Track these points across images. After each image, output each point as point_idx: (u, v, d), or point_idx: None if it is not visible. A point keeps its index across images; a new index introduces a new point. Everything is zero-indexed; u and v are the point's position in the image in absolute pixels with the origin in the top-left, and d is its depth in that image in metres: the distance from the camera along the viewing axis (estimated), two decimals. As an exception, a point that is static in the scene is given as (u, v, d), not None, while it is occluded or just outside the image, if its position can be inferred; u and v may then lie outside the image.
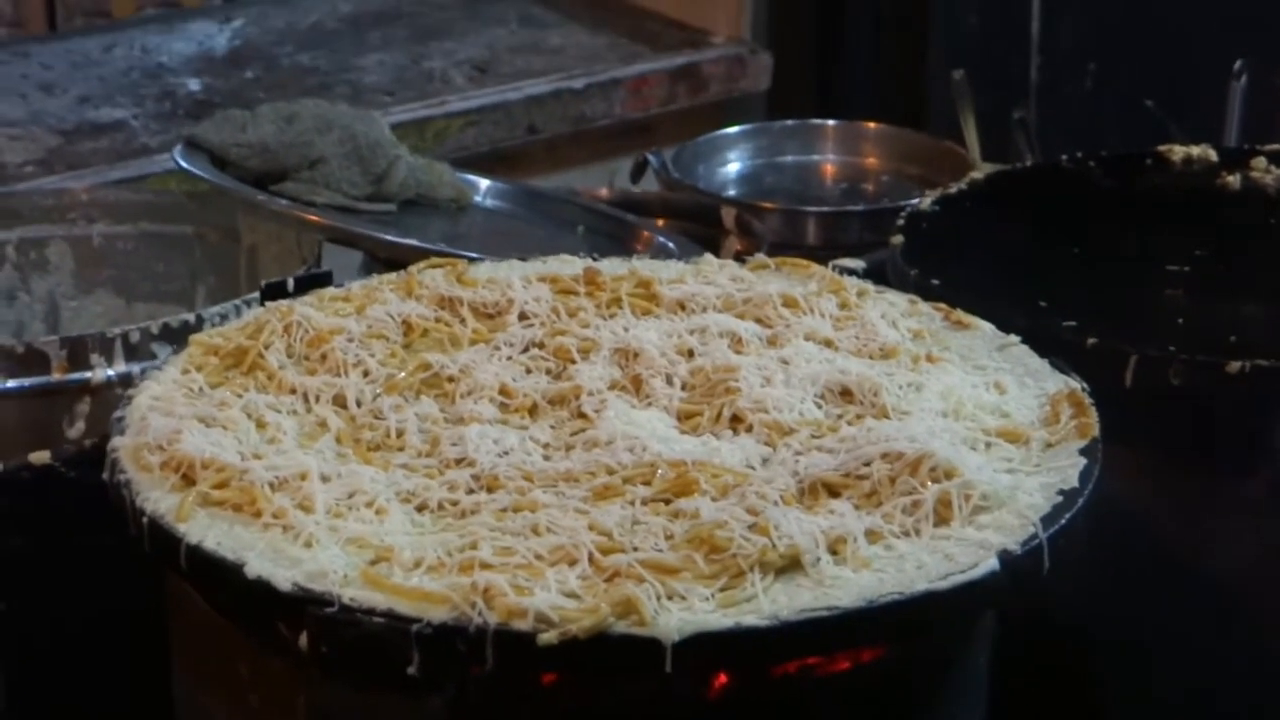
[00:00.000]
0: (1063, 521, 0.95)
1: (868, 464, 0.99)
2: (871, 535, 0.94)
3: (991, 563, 0.92)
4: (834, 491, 0.98)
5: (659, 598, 0.88)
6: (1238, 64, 1.88)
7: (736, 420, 1.06)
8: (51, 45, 2.32)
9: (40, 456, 1.18)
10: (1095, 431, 1.03)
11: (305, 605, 0.87)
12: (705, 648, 0.86)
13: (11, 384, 1.30)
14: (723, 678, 0.92)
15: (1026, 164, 1.71)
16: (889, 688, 0.97)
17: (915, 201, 1.47)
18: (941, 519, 0.95)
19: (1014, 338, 1.16)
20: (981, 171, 1.58)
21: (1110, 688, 1.23)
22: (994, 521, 0.95)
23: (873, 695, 0.96)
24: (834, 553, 0.92)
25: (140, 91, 2.16)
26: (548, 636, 0.85)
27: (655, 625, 0.86)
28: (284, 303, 1.15)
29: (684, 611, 0.87)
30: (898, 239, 1.37)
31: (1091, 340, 1.20)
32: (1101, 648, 1.22)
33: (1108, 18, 2.18)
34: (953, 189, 1.48)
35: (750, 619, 0.87)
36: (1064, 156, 1.56)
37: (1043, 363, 1.13)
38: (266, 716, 0.96)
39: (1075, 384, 1.09)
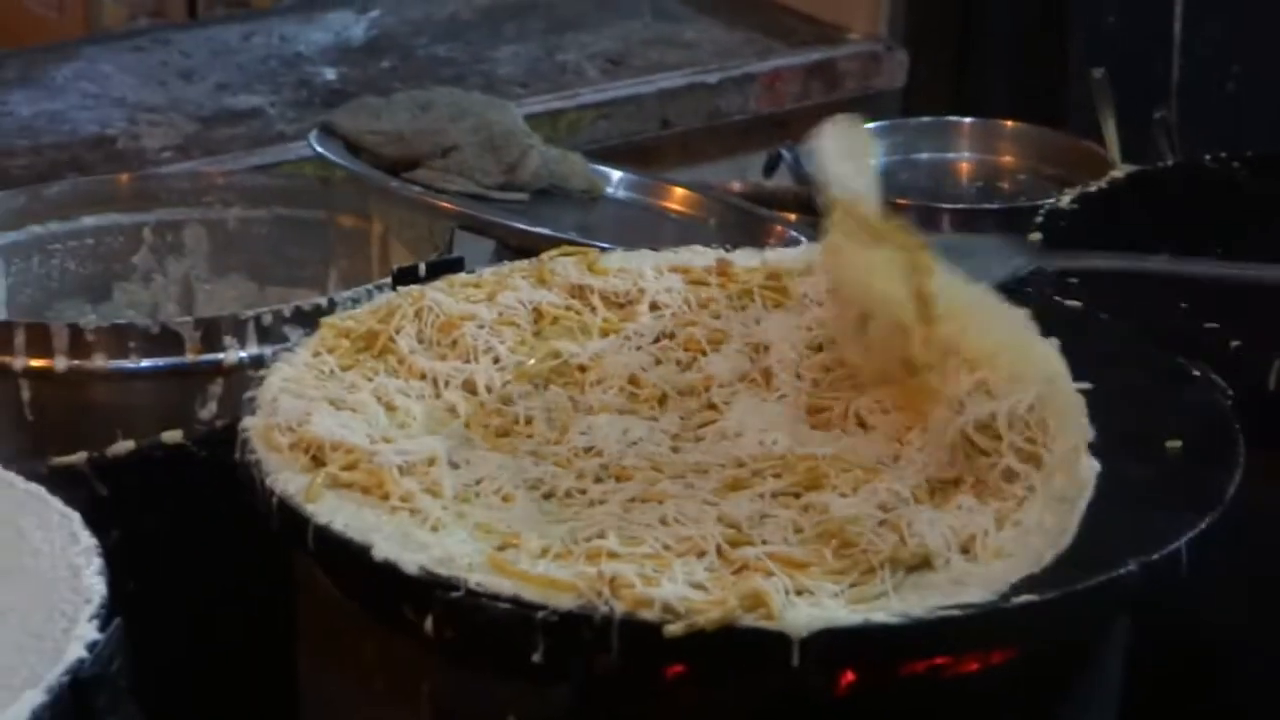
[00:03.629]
0: (1202, 525, 0.93)
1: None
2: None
3: (1128, 564, 0.90)
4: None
5: (787, 592, 0.86)
6: (1389, 68, 1.84)
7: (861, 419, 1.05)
8: (192, 33, 2.34)
9: (173, 436, 1.19)
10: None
11: (432, 589, 0.87)
12: (833, 644, 0.85)
13: (146, 364, 1.31)
14: (849, 676, 0.90)
15: (1168, 164, 1.68)
16: (1017, 690, 0.95)
17: (1052, 200, 1.44)
18: (1078, 519, 0.94)
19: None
20: (1122, 171, 1.55)
21: (1248, 700, 1.20)
22: (1132, 524, 0.93)
23: (1001, 698, 0.95)
24: (965, 551, 0.91)
25: (277, 80, 2.17)
26: (674, 628, 0.84)
27: (783, 620, 0.85)
28: (415, 288, 1.15)
29: (813, 607, 0.86)
30: (1036, 236, 1.35)
31: (1234, 343, 1.17)
32: (1239, 658, 1.19)
33: (1252, 18, 2.13)
34: (1093, 187, 1.46)
35: (880, 616, 0.86)
36: (1207, 156, 1.52)
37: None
38: (391, 700, 0.96)
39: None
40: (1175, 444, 1.02)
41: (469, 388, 1.06)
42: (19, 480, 0.98)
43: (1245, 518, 0.97)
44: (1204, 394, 1.07)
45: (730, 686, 0.90)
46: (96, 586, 0.88)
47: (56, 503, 0.96)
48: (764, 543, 0.90)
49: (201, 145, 1.97)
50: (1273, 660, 1.18)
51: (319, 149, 1.57)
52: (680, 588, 0.86)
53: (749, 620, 0.85)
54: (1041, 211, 1.40)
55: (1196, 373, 1.09)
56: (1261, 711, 1.19)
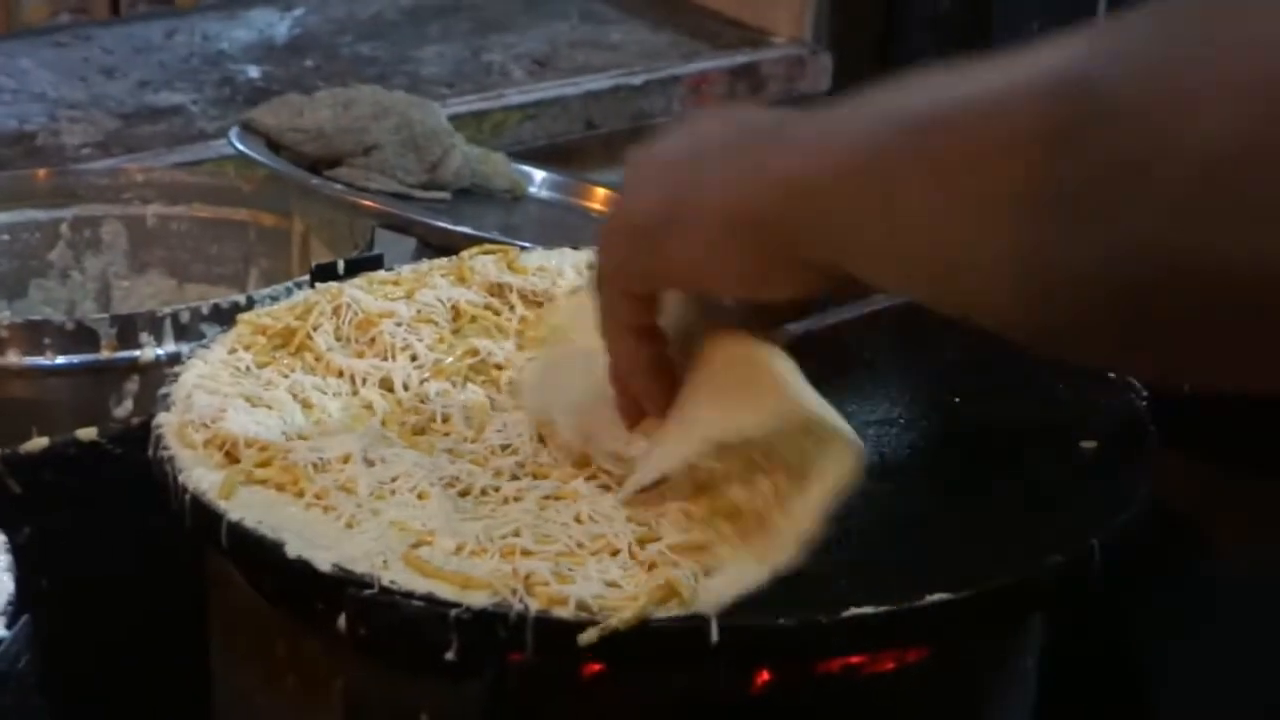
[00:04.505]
0: (1114, 524, 0.94)
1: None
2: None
3: (1040, 563, 0.90)
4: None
5: (696, 577, 0.87)
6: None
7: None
8: (114, 30, 2.33)
9: (87, 433, 1.18)
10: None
11: (344, 587, 0.87)
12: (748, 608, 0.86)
13: (61, 360, 1.30)
14: (765, 674, 0.91)
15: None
16: (931, 689, 0.95)
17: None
18: (991, 519, 0.94)
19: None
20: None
21: (1162, 698, 1.21)
22: (1045, 522, 0.94)
23: (914, 697, 0.95)
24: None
25: (200, 77, 2.16)
26: (588, 635, 0.84)
27: (697, 602, 0.85)
28: (333, 285, 1.15)
29: (722, 578, 0.87)
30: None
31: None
32: (1155, 657, 1.21)
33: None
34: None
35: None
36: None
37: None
38: (303, 697, 0.95)
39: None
40: (1090, 444, 1.02)
41: (386, 385, 1.06)
42: (-72, 477, 0.98)
43: (1158, 518, 0.98)
44: (1119, 395, 1.08)
45: (648, 681, 0.90)
46: (3, 583, 0.87)
47: (-35, 499, 0.95)
48: (661, 538, 0.90)
49: (122, 142, 1.96)
50: (1185, 661, 1.20)
51: (239, 146, 1.57)
52: (595, 585, 0.86)
53: (663, 613, 0.85)
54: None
55: (1111, 374, 1.09)
56: (1175, 710, 1.20)
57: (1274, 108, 0.63)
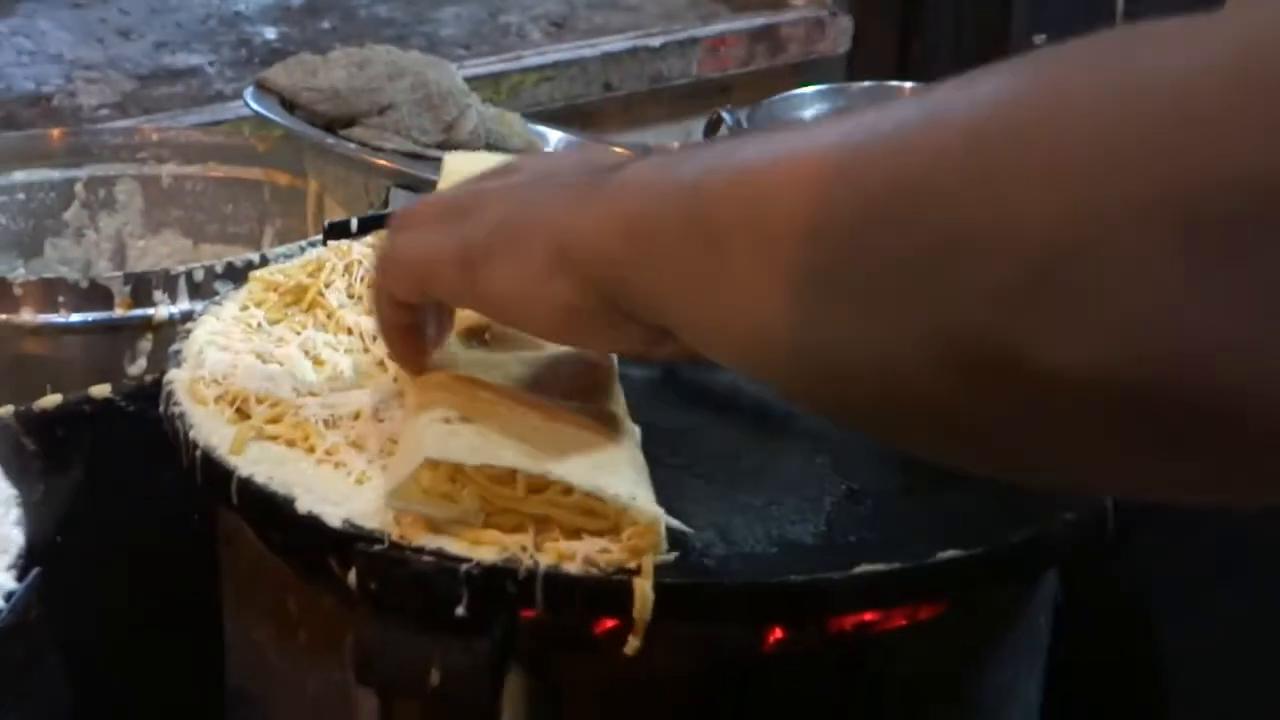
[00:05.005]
0: (1129, 482, 0.93)
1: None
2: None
3: (1055, 519, 0.90)
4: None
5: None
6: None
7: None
8: (131, -9, 2.32)
9: (101, 390, 1.18)
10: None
11: (355, 542, 0.86)
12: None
13: (75, 319, 1.30)
14: (778, 631, 0.90)
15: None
16: (944, 646, 0.95)
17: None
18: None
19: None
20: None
21: (1175, 654, 1.21)
22: (1058, 479, 0.93)
23: (927, 654, 0.95)
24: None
25: (217, 39, 2.16)
26: (632, 645, 0.83)
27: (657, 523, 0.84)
28: (346, 242, 1.14)
29: None
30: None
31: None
32: (1167, 614, 1.20)
33: (1196, -13, 2.14)
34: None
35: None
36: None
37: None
38: (314, 652, 0.95)
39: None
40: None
41: (398, 342, 1.05)
42: (-60, 432, 0.98)
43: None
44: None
45: (660, 638, 0.90)
46: (14, 537, 0.87)
47: (-25, 454, 0.95)
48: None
49: (139, 103, 1.96)
50: (1198, 617, 1.19)
51: (254, 105, 1.56)
52: (603, 540, 0.85)
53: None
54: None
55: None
56: (1187, 667, 1.20)
57: (1096, 193, 0.55)
